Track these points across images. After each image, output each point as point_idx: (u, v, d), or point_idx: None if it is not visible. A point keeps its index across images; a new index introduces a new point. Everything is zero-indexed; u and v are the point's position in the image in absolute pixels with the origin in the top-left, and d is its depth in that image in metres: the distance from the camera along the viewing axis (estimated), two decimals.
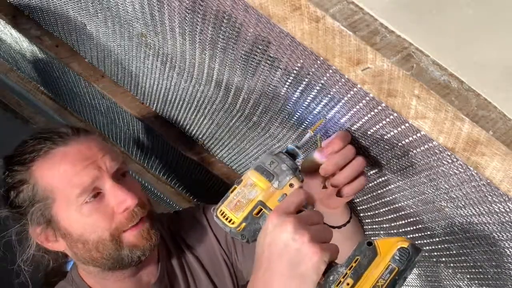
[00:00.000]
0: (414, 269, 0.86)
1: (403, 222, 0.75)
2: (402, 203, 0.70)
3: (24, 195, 0.83)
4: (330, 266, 0.52)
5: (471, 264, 0.69)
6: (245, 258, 0.98)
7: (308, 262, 0.51)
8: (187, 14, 0.65)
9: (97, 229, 0.81)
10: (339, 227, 0.74)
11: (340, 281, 0.50)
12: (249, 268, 0.99)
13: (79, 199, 0.79)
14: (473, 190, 0.53)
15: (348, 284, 0.50)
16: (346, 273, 0.51)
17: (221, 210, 0.60)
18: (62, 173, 0.81)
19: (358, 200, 0.81)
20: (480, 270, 0.69)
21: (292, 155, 0.63)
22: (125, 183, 0.85)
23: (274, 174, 0.60)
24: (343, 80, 0.53)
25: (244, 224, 0.59)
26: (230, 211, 0.59)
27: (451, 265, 0.75)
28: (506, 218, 0.53)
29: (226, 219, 0.59)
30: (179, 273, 0.97)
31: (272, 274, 0.54)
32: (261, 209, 0.59)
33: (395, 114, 0.51)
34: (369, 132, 0.60)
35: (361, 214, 0.85)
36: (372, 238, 0.58)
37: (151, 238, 0.84)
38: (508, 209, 0.51)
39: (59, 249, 0.86)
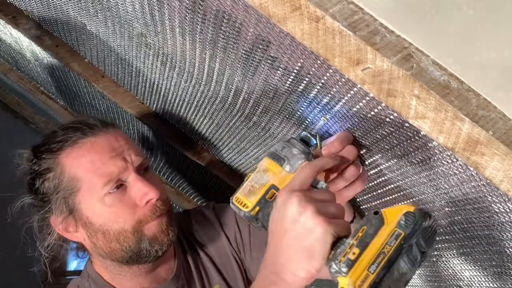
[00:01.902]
0: None
1: None
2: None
3: (49, 183, 0.84)
4: (340, 241, 0.51)
5: (471, 264, 0.69)
6: (252, 259, 0.99)
7: (313, 235, 0.51)
8: (187, 14, 0.65)
9: (119, 219, 0.82)
10: None
11: (347, 252, 0.49)
12: (255, 268, 0.99)
13: (104, 188, 0.81)
14: (473, 190, 0.53)
15: (354, 253, 0.49)
16: (353, 244, 0.49)
17: (237, 197, 0.61)
18: (90, 163, 0.82)
19: (358, 200, 0.81)
20: (480, 270, 0.69)
21: (305, 142, 0.64)
22: (148, 177, 0.86)
23: (285, 158, 0.61)
24: (343, 80, 0.53)
25: (257, 207, 0.60)
26: (244, 196, 0.61)
27: (451, 265, 0.75)
28: (506, 218, 0.53)
29: (241, 203, 0.61)
30: (194, 270, 0.98)
31: (280, 248, 0.54)
32: (274, 193, 0.60)
33: (395, 114, 0.51)
34: (369, 132, 0.60)
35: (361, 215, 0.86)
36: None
37: (169, 234, 0.85)
38: (508, 209, 0.51)
39: (78, 239, 0.87)
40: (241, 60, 0.67)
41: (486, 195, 0.51)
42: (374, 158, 0.65)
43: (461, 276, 0.75)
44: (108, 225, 0.82)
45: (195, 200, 1.96)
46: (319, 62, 0.53)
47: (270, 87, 0.69)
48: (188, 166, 1.55)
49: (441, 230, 0.68)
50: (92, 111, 1.65)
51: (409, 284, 0.88)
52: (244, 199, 0.60)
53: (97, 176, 0.81)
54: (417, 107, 0.40)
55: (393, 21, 0.40)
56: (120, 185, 0.83)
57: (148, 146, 1.62)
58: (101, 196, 0.81)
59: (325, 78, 0.55)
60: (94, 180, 0.82)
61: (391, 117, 0.52)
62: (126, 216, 0.82)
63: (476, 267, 0.69)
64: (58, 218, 0.85)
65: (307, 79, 0.59)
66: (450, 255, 0.72)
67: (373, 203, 0.78)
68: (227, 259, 1.00)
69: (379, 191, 0.73)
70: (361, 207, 0.83)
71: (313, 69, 0.55)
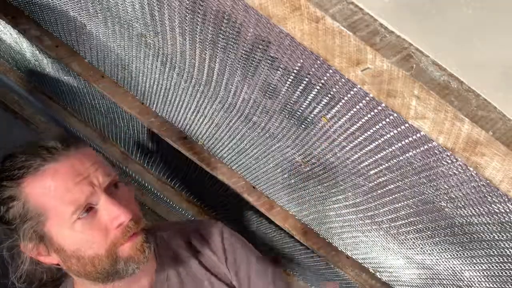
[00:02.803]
0: (416, 269, 0.86)
1: (403, 222, 0.75)
2: (402, 203, 0.70)
3: (14, 212, 0.81)
4: None
5: (471, 264, 0.69)
6: None
7: None
8: (187, 14, 0.65)
9: (92, 244, 0.80)
10: None
11: None
12: None
13: (73, 216, 0.78)
14: (472, 191, 0.53)
15: None
16: None
17: None
18: (54, 192, 0.79)
19: (358, 200, 0.81)
20: (480, 270, 0.69)
21: None
22: (118, 196, 0.83)
23: None
24: (343, 80, 0.53)
25: None
26: None
27: (451, 265, 0.75)
28: (506, 218, 0.53)
29: None
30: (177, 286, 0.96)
31: None
32: None
33: (395, 114, 0.51)
34: (369, 132, 0.60)
35: (361, 215, 0.85)
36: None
37: (145, 251, 0.83)
38: (508, 209, 0.51)
39: (52, 262, 0.85)
40: (241, 60, 0.67)
41: (486, 195, 0.51)
42: (374, 158, 0.65)
43: (461, 276, 0.75)
44: (81, 250, 0.81)
45: (195, 200, 1.97)
46: (319, 62, 0.53)
47: (270, 87, 0.69)
48: (188, 166, 1.55)
49: (441, 230, 0.68)
50: (92, 111, 1.66)
51: (409, 284, 0.88)
52: None
53: (64, 205, 0.79)
54: (417, 107, 0.40)
55: (393, 22, 0.40)
56: (90, 208, 0.80)
57: (148, 146, 1.62)
58: (71, 223, 0.78)
59: (325, 78, 0.55)
60: (61, 208, 0.79)
61: (391, 117, 0.52)
62: (98, 240, 0.80)
63: (476, 267, 0.69)
64: (29, 245, 0.83)
65: (307, 79, 0.59)
66: (450, 255, 0.72)
67: (373, 203, 0.78)
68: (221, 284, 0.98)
69: (379, 191, 0.73)
70: (362, 207, 0.83)
71: (313, 69, 0.55)
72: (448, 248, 0.71)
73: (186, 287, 0.97)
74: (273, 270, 0.99)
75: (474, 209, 0.56)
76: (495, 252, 0.62)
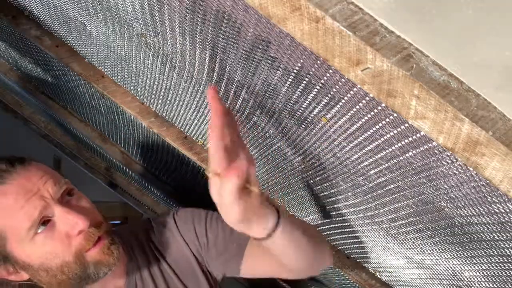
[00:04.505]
0: (416, 269, 0.86)
1: (403, 222, 0.75)
2: (402, 203, 0.70)
3: None
4: None
5: (471, 264, 0.69)
6: (212, 257, 0.99)
7: None
8: (187, 14, 0.65)
9: (57, 254, 0.81)
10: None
11: None
12: (218, 268, 0.99)
13: (30, 232, 0.79)
14: (472, 191, 0.53)
15: None
16: None
17: None
18: (7, 212, 0.80)
19: (358, 200, 0.81)
20: (480, 270, 0.69)
21: None
22: (73, 204, 0.84)
23: None
24: (343, 80, 0.53)
25: None
26: None
27: (451, 265, 0.75)
28: (506, 218, 0.53)
29: None
30: (150, 284, 0.97)
31: None
32: None
33: (395, 114, 0.51)
34: (369, 132, 0.60)
35: (361, 215, 0.85)
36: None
37: (113, 252, 0.84)
38: (508, 209, 0.51)
39: (23, 279, 0.86)
40: (241, 60, 0.67)
41: (486, 195, 0.51)
42: (374, 158, 0.65)
43: (461, 276, 0.75)
44: (47, 263, 0.81)
45: (195, 200, 1.97)
46: (319, 62, 0.53)
47: (270, 87, 0.69)
48: (188, 166, 1.55)
49: (441, 230, 0.68)
50: (92, 111, 1.65)
51: (409, 284, 0.88)
52: None
53: (19, 222, 0.79)
54: (417, 107, 0.40)
55: (393, 22, 0.40)
56: (47, 221, 0.81)
57: (148, 146, 1.62)
58: (30, 239, 0.79)
59: (325, 78, 0.55)
60: (17, 226, 0.80)
61: (391, 117, 0.52)
62: (63, 249, 0.81)
63: (476, 267, 0.69)
64: None
65: (307, 79, 0.59)
66: (450, 255, 0.72)
67: (373, 203, 0.78)
68: (190, 269, 0.99)
69: (379, 191, 0.73)
70: (362, 207, 0.83)
71: (313, 69, 0.55)
72: (448, 248, 0.71)
73: (176, 268, 0.99)
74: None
75: (474, 209, 0.56)
76: (495, 252, 0.62)
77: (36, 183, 0.82)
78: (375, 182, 0.71)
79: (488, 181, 0.42)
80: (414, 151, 0.55)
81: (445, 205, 0.61)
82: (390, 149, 0.59)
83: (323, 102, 0.61)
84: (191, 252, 0.99)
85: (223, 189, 0.59)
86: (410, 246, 0.81)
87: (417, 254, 0.82)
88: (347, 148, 0.68)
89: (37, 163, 0.88)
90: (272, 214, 0.70)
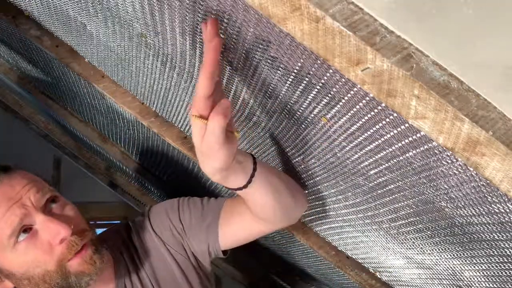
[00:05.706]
0: (416, 269, 0.86)
1: (403, 222, 0.75)
2: (402, 203, 0.70)
3: None
4: None
5: (471, 264, 0.69)
6: (194, 236, 0.98)
7: None
8: (187, 14, 0.65)
9: (39, 263, 0.81)
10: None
11: None
12: (202, 242, 0.98)
13: (10, 240, 0.79)
14: (472, 191, 0.53)
15: None
16: None
17: None
18: None
19: (358, 200, 0.81)
20: (480, 270, 0.69)
21: None
22: (56, 213, 0.84)
23: None
24: (343, 80, 0.53)
25: None
26: None
27: (451, 265, 0.75)
28: (506, 218, 0.53)
29: None
30: (139, 286, 0.97)
31: None
32: None
33: (395, 114, 0.51)
34: (369, 132, 0.60)
35: (361, 215, 0.85)
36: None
37: (95, 262, 0.84)
38: (508, 209, 0.51)
39: (9, 286, 0.86)
40: (241, 60, 0.67)
41: (486, 195, 0.51)
42: (374, 158, 0.65)
43: (461, 276, 0.75)
44: (29, 271, 0.81)
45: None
46: (319, 62, 0.53)
47: (270, 87, 0.69)
48: (188, 166, 1.55)
49: (441, 230, 0.68)
50: (92, 111, 1.66)
51: (409, 284, 0.88)
52: None
53: (0, 230, 0.80)
54: (417, 107, 0.40)
55: (393, 21, 0.40)
56: (29, 229, 0.81)
57: (148, 146, 1.62)
58: (12, 247, 0.80)
59: (325, 78, 0.55)
60: None
61: (391, 117, 0.52)
62: (44, 258, 0.81)
63: (476, 267, 0.69)
64: None
65: (307, 79, 0.59)
66: (450, 255, 0.72)
67: (373, 203, 0.78)
68: (168, 271, 0.99)
69: (379, 191, 0.73)
70: (362, 207, 0.83)
71: (313, 69, 0.55)
72: (448, 248, 0.71)
73: (156, 274, 0.99)
74: (201, 200, 1.02)
75: (474, 209, 0.56)
76: (495, 252, 0.62)
77: (19, 191, 0.82)
78: (375, 182, 0.71)
79: (488, 181, 0.42)
80: (414, 151, 0.55)
81: (445, 205, 0.61)
82: (390, 149, 0.59)
83: (323, 102, 0.61)
84: (168, 250, 0.99)
85: (208, 132, 0.57)
86: (410, 246, 0.81)
87: (417, 254, 0.82)
88: (347, 148, 0.68)
89: (22, 171, 0.88)
90: (248, 158, 0.71)
